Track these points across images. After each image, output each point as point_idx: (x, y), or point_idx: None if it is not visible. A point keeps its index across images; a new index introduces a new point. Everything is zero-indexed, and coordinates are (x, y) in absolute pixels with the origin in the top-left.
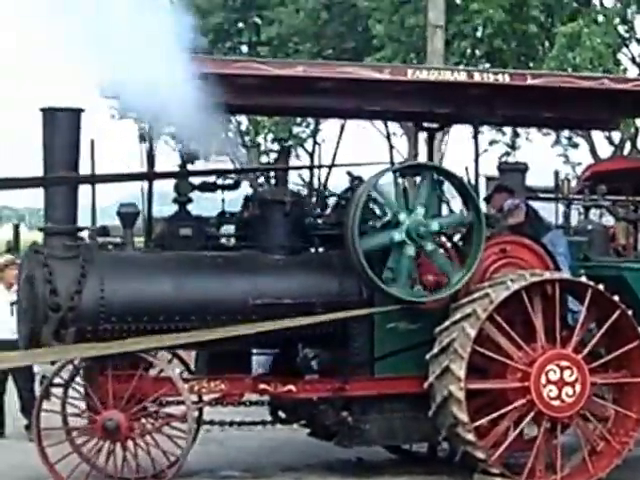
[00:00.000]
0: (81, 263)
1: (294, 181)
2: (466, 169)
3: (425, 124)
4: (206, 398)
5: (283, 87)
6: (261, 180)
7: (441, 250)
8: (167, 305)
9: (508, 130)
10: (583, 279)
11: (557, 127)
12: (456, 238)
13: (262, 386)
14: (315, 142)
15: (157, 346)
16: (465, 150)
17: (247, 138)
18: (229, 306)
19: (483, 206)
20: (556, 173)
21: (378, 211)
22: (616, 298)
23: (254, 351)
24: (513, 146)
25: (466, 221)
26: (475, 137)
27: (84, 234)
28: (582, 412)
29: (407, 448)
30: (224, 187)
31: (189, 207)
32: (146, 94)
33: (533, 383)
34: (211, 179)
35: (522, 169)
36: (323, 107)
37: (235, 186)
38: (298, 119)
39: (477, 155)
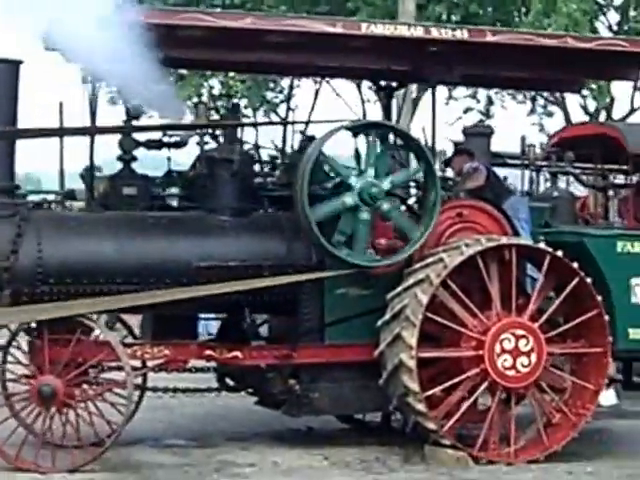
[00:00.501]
0: (17, 222)
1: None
2: (423, 130)
3: (382, 82)
4: (150, 364)
5: (230, 40)
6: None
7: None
8: (108, 267)
9: (482, 97)
10: (541, 245)
11: (519, 88)
12: (411, 201)
13: (207, 352)
14: (289, 108)
15: (100, 309)
16: (439, 118)
17: (220, 103)
18: (173, 268)
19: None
20: (522, 138)
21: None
22: (575, 265)
23: (203, 316)
24: (487, 114)
25: (417, 174)
26: (433, 96)
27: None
28: (538, 383)
29: (360, 418)
30: (170, 145)
31: (134, 165)
32: (85, 45)
33: (487, 352)
34: (157, 136)
35: (487, 133)
36: (273, 62)
37: (182, 144)
38: (271, 84)
39: (434, 115)
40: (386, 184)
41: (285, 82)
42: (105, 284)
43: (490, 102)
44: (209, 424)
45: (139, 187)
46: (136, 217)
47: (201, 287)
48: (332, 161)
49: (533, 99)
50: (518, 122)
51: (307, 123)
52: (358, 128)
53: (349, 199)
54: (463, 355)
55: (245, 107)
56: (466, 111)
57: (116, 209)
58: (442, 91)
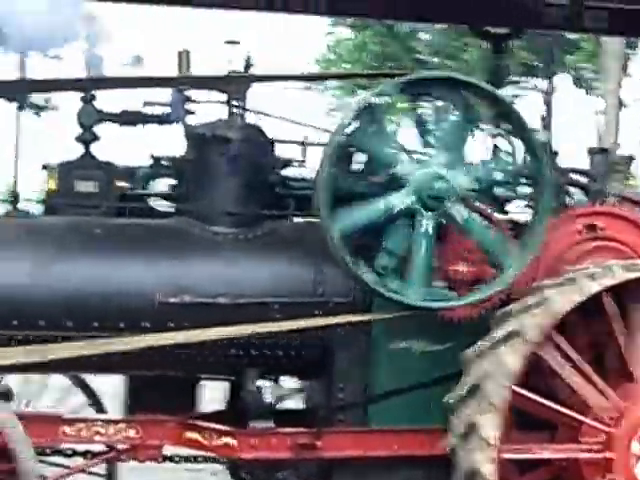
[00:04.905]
0: None
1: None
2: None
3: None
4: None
5: None
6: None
7: (484, 220)
8: (22, 303)
9: None
10: None
11: None
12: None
13: (190, 435)
14: None
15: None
16: None
17: None
18: (126, 306)
19: None
20: None
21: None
22: None
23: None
24: None
25: (526, 170)
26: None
27: None
28: None
29: None
30: (152, 119)
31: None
32: None
33: (619, 454)
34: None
35: None
36: None
37: (173, 118)
38: None
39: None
40: (463, 179)
41: None
42: (19, 328)
43: None
44: None
45: (100, 181)
46: (80, 227)
47: (160, 335)
48: (374, 137)
49: None
50: None
51: (346, 77)
52: (414, 86)
53: (398, 199)
54: (580, 457)
55: None
56: None
57: (64, 213)
58: None
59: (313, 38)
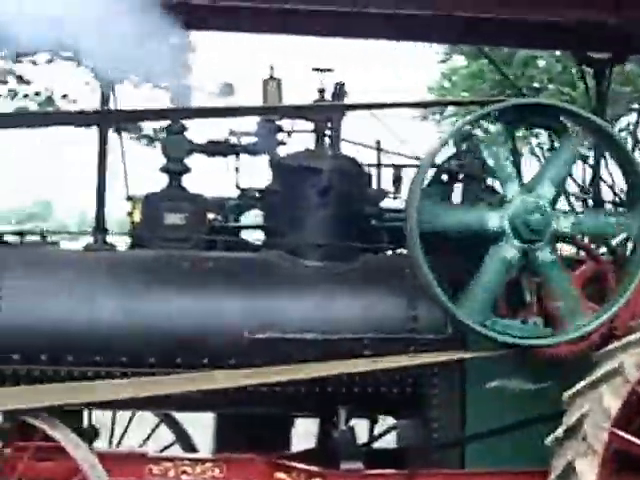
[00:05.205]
0: None
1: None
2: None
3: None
4: None
5: None
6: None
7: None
8: (108, 339)
9: None
10: None
11: None
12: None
13: (278, 475)
14: None
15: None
16: None
17: None
18: (212, 342)
19: None
20: None
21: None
22: None
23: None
24: None
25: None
26: None
27: None
28: None
29: None
30: (243, 149)
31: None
32: None
33: None
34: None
35: None
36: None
37: (261, 149)
38: None
39: None
40: (565, 223)
41: None
42: (103, 365)
43: None
44: None
45: (190, 213)
46: (167, 261)
47: (239, 373)
48: (490, 152)
49: None
50: None
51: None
52: (510, 113)
53: (494, 219)
54: None
55: None
56: None
57: (155, 246)
58: None
59: (426, 66)
